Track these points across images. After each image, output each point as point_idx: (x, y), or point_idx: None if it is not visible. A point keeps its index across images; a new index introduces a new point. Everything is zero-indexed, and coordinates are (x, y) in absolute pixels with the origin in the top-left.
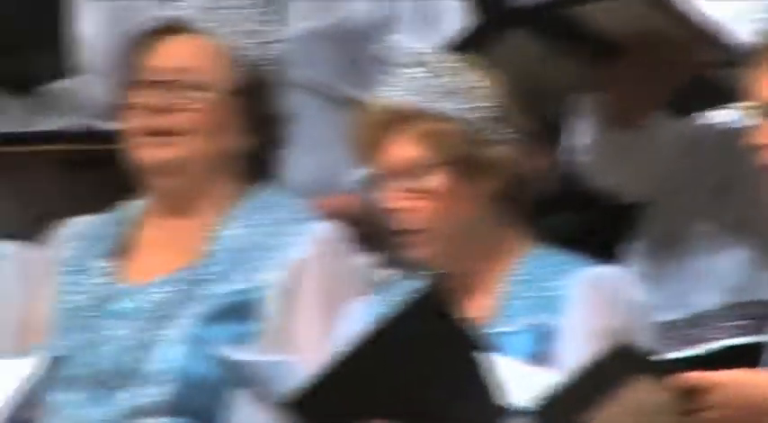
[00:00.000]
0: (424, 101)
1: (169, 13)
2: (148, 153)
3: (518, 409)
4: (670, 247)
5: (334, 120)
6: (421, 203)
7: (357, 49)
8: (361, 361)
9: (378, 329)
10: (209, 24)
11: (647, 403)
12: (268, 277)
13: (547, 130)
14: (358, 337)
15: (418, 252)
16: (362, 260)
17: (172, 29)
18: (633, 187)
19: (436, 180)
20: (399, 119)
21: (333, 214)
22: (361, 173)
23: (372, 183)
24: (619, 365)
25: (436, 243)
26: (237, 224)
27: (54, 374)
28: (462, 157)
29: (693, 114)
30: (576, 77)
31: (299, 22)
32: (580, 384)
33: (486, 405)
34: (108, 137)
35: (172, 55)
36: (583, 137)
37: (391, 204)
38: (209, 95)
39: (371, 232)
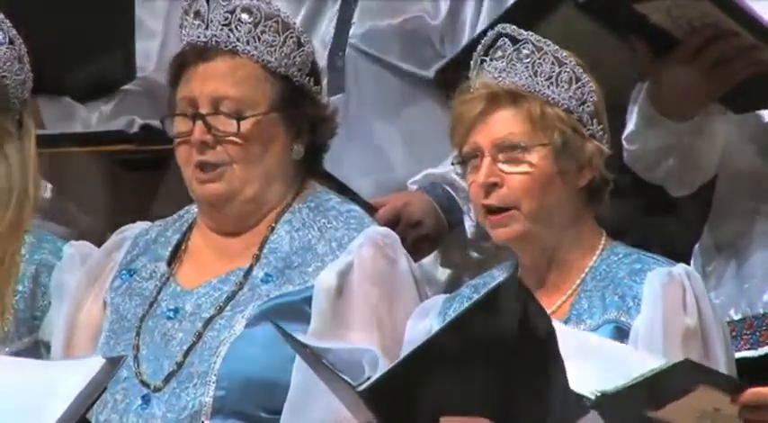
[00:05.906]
0: (533, 84)
1: (192, 39)
2: (200, 188)
3: (584, 400)
4: (734, 247)
5: (396, 118)
6: (515, 180)
7: (425, 46)
8: (438, 352)
9: (455, 321)
10: (235, 44)
11: (709, 408)
12: (318, 280)
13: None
14: (436, 330)
15: (504, 232)
16: (427, 260)
17: (200, 55)
18: (679, 180)
19: (534, 158)
20: (507, 97)
21: (389, 214)
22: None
23: (463, 163)
24: (683, 376)
25: (523, 223)
26: (288, 228)
27: (109, 376)
28: (563, 142)
29: (749, 112)
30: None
31: (367, 21)
32: (644, 386)
33: (562, 396)
34: (167, 138)
35: (205, 84)
36: (632, 126)
37: (485, 179)
38: (250, 120)
39: (434, 231)
